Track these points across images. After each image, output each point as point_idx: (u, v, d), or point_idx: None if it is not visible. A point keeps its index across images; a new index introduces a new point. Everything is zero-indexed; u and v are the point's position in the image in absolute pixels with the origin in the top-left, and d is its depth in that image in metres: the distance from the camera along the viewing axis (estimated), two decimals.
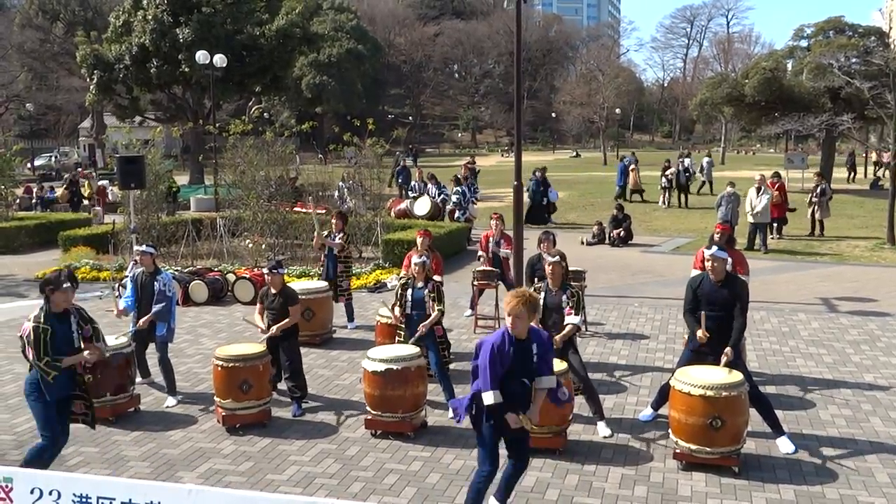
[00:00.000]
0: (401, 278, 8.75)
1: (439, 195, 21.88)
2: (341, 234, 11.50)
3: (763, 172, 20.46)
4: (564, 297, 7.49)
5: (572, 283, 7.93)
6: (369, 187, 18.65)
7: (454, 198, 20.49)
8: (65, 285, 6.32)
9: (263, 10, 38.45)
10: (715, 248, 7.21)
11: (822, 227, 20.25)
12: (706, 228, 19.98)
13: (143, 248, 8.74)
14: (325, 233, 11.58)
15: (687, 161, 33.20)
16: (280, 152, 17.43)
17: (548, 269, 7.69)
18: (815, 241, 19.41)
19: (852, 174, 36.41)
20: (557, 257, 7.75)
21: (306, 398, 8.33)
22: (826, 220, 20.36)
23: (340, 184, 19.43)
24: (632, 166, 29.93)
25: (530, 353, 5.51)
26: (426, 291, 8.21)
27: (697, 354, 7.23)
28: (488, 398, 5.40)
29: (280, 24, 37.43)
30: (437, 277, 9.07)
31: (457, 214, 20.03)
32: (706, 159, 33.37)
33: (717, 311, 7.13)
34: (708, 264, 7.19)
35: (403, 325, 8.31)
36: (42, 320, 6.26)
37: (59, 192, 27.66)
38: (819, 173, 22.00)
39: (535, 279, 8.86)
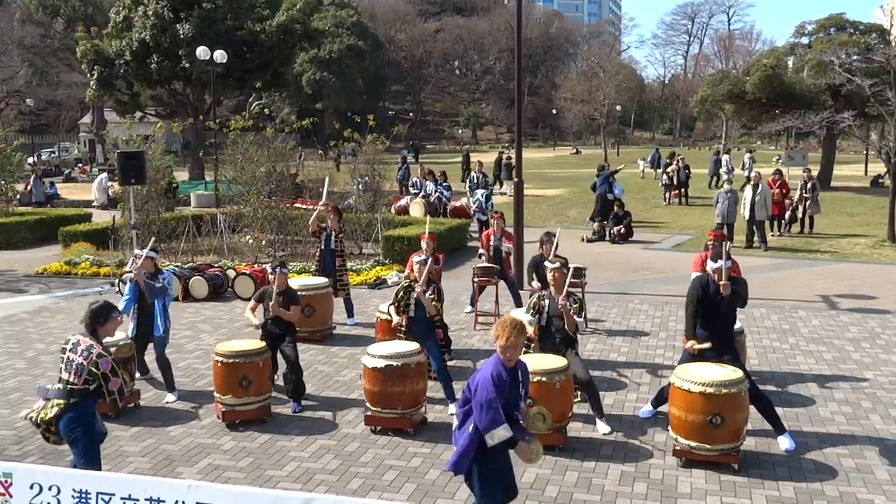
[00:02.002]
0: (405, 277, 8.71)
1: (436, 192, 21.92)
2: (337, 230, 11.53)
3: (759, 170, 20.43)
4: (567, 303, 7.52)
5: (573, 291, 7.94)
6: (373, 183, 18.66)
7: (475, 198, 20.11)
8: (114, 314, 6.41)
9: (264, 6, 38.36)
10: (721, 261, 7.18)
11: (812, 224, 20.25)
12: (706, 225, 19.97)
13: (146, 252, 8.73)
14: (324, 225, 11.55)
15: (725, 158, 32.95)
16: (281, 148, 17.43)
17: (549, 276, 7.71)
18: (814, 238, 19.40)
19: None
20: (558, 264, 7.75)
21: (305, 395, 8.33)
22: (817, 217, 20.36)
23: (358, 180, 19.32)
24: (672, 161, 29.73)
25: (517, 379, 5.14)
26: (428, 294, 8.19)
27: (698, 356, 7.22)
28: (505, 432, 4.88)
29: (281, 20, 37.34)
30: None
31: (476, 214, 19.73)
32: (748, 155, 33.09)
33: (721, 314, 7.14)
34: (714, 276, 7.19)
35: (405, 328, 8.29)
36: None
37: (115, 186, 26.85)
38: (807, 169, 22.04)
39: (537, 281, 8.87)
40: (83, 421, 5.69)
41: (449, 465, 5.16)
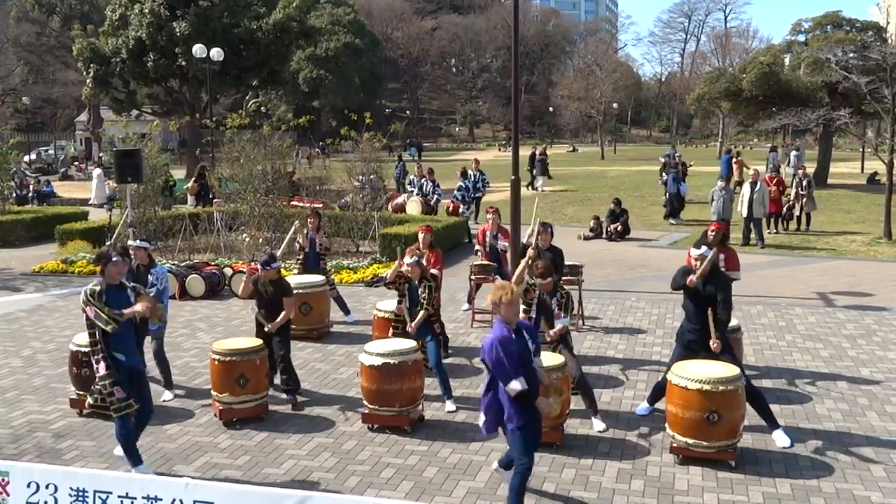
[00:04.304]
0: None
1: (434, 191, 21.94)
2: (319, 232, 11.53)
3: (757, 167, 20.45)
4: (554, 300, 7.52)
5: (563, 287, 7.93)
6: (375, 181, 18.61)
7: (457, 193, 20.33)
8: (114, 258, 6.55)
9: (260, 4, 38.33)
10: (704, 247, 7.21)
11: (809, 220, 20.28)
12: (703, 222, 19.98)
13: (137, 242, 8.73)
14: (305, 231, 11.59)
15: (771, 156, 32.71)
16: (277, 146, 17.41)
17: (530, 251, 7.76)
18: (811, 235, 19.44)
19: None
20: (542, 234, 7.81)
21: (300, 391, 8.34)
22: (813, 214, 20.39)
23: (361, 177, 19.31)
24: (735, 158, 29.47)
25: (523, 337, 5.67)
26: (420, 291, 8.27)
27: (689, 350, 7.27)
28: (516, 386, 5.44)
29: (277, 18, 37.31)
30: (434, 271, 9.11)
31: (461, 209, 19.88)
32: (794, 152, 32.84)
33: (705, 307, 7.16)
34: (695, 263, 7.22)
35: (400, 320, 8.36)
36: (98, 288, 6.44)
37: (188, 184, 26.59)
38: (802, 166, 22.09)
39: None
40: None
41: (483, 429, 5.82)
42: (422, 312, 8.24)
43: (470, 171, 21.85)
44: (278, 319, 8.19)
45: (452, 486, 6.37)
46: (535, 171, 31.86)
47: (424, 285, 8.30)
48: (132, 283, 6.84)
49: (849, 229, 20.20)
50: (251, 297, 8.49)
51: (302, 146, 40.45)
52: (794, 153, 32.52)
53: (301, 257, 11.80)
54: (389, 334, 8.41)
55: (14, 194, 28.06)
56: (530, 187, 31.36)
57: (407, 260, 8.35)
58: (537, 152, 32.80)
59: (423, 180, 22.45)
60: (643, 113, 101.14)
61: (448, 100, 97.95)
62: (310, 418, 7.90)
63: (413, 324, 8.19)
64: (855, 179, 34.84)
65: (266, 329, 8.22)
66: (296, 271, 11.89)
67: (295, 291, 8.86)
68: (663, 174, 28.17)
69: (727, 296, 7.20)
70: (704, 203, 23.06)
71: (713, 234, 8.80)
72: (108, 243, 7.47)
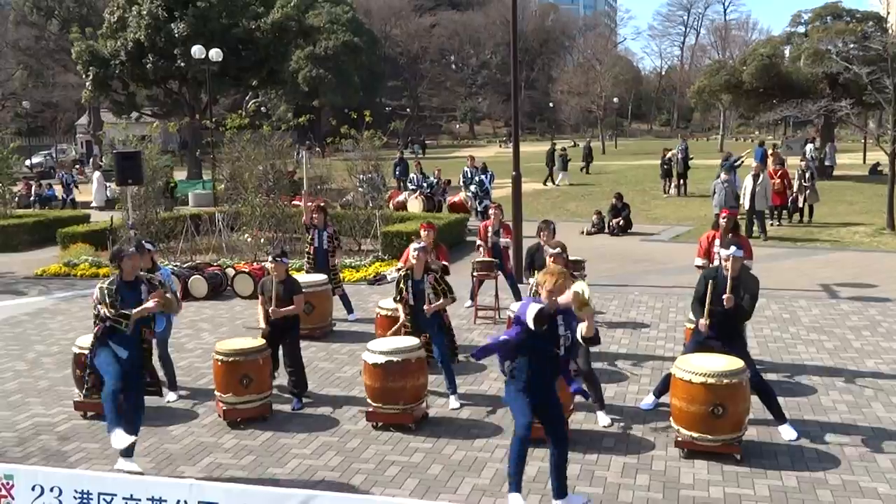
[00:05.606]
0: (399, 269, 8.73)
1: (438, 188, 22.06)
2: (328, 228, 11.48)
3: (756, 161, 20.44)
4: None
5: (574, 275, 7.87)
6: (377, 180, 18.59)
7: (472, 188, 20.40)
8: (130, 251, 6.68)
9: (259, 4, 38.31)
10: (734, 248, 7.08)
11: (812, 212, 20.24)
12: (705, 216, 19.98)
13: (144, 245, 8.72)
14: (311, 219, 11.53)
15: (808, 147, 32.52)
16: (278, 146, 17.41)
17: (549, 261, 7.65)
18: (814, 227, 19.40)
19: None
20: (558, 249, 7.68)
21: (306, 393, 8.32)
22: (816, 206, 20.35)
23: (361, 176, 19.28)
24: (772, 150, 29.22)
25: (556, 322, 5.65)
26: (426, 283, 8.21)
27: (704, 346, 7.19)
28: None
29: (276, 18, 37.30)
30: (444, 263, 9.11)
31: (484, 201, 19.86)
32: (829, 144, 32.70)
33: (725, 309, 7.10)
34: (726, 263, 7.12)
35: (410, 317, 8.32)
36: (112, 286, 6.52)
37: (221, 187, 26.68)
38: (804, 158, 22.03)
39: (534, 270, 8.80)
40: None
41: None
42: (443, 300, 8.21)
43: (466, 168, 21.91)
44: (285, 308, 8.11)
45: (458, 483, 6.36)
46: (555, 167, 32.00)
47: (433, 276, 8.26)
48: (148, 276, 6.96)
49: (852, 220, 20.16)
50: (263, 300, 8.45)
51: (303, 146, 40.41)
52: (829, 145, 32.36)
53: (311, 253, 11.68)
54: (402, 334, 8.29)
55: (63, 198, 28.41)
56: (549, 182, 31.57)
57: (413, 245, 8.31)
58: (556, 148, 32.86)
59: (433, 179, 22.57)
60: (643, 107, 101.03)
61: (448, 97, 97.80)
62: (314, 417, 7.89)
63: (433, 305, 8.14)
64: (857, 170, 34.77)
65: (270, 311, 8.14)
66: (306, 267, 11.80)
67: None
68: (663, 165, 28.14)
69: (753, 294, 7.13)
70: (706, 197, 23.05)
71: (725, 220, 8.73)
72: (123, 238, 7.59)
